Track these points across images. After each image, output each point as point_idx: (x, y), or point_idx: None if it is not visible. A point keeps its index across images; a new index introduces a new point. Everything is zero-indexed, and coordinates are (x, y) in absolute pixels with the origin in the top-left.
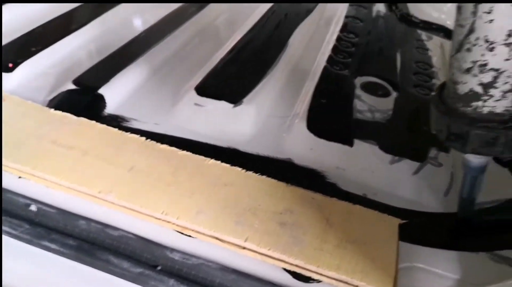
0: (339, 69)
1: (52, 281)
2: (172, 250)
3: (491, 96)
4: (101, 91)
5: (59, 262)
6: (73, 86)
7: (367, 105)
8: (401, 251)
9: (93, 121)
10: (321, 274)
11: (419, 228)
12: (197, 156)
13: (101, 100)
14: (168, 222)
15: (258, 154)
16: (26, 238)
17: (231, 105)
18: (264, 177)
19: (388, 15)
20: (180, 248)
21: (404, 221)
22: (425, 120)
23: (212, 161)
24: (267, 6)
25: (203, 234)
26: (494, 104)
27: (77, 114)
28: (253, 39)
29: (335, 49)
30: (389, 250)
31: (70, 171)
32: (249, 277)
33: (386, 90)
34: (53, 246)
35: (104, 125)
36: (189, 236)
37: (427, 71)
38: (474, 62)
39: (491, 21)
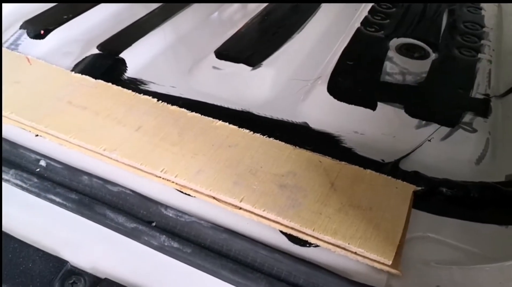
0: (374, 30)
1: (54, 232)
2: (167, 207)
3: None
4: (122, 55)
5: (62, 214)
6: (97, 51)
7: (399, 68)
8: (417, 220)
9: (109, 84)
10: (316, 238)
11: (440, 197)
12: (205, 117)
13: (122, 64)
14: (168, 180)
15: (272, 117)
16: (35, 191)
17: (250, 68)
18: (271, 139)
19: None
20: (176, 205)
21: (419, 188)
22: (463, 83)
23: (220, 122)
24: None
25: (201, 192)
26: None
27: (99, 77)
28: (282, 3)
29: (372, 10)
30: (397, 218)
31: (80, 130)
32: (240, 237)
33: (424, 52)
34: (57, 199)
35: (119, 88)
36: (188, 194)
37: (477, 31)
38: None
39: None
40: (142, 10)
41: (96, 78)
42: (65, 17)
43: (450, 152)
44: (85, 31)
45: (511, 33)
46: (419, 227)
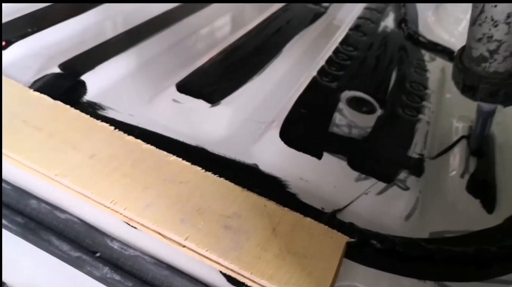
0: (328, 81)
1: None
2: (113, 239)
3: (495, 60)
4: (84, 77)
5: (5, 236)
6: (58, 70)
7: (347, 120)
8: (346, 270)
9: (67, 106)
10: (253, 281)
11: (370, 249)
12: (159, 150)
13: (82, 87)
14: (116, 211)
15: (225, 156)
16: None
17: (209, 105)
18: (221, 179)
19: (395, 32)
20: (122, 238)
21: (352, 240)
22: (402, 141)
23: (174, 157)
24: (272, 9)
25: (147, 227)
26: (497, 66)
27: (57, 98)
28: (247, 42)
29: (329, 60)
30: (328, 267)
31: (33, 151)
32: (181, 274)
33: (371, 107)
34: (3, 221)
35: (77, 111)
36: (135, 227)
37: (419, 92)
38: (484, 34)
39: (495, 6)
40: (111, 31)
41: (54, 98)
42: (30, 30)
43: (383, 207)
44: (48, 46)
45: (449, 98)
46: (348, 277)
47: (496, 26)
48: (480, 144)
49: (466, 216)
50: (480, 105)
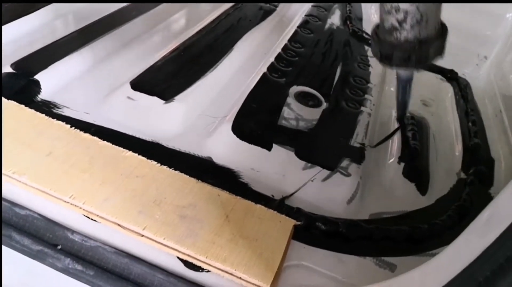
0: (277, 76)
1: None
2: (73, 232)
3: (404, 29)
4: (37, 76)
5: None
6: (10, 70)
7: (295, 114)
8: (294, 250)
9: (22, 106)
10: (208, 264)
11: (315, 231)
12: (115, 147)
13: (36, 86)
14: (75, 206)
15: (180, 150)
16: None
17: (163, 101)
18: (177, 172)
19: (340, 29)
20: (82, 231)
21: (299, 223)
22: (345, 132)
23: (130, 152)
24: (223, 8)
25: (107, 219)
26: (407, 34)
27: (11, 97)
28: (199, 40)
29: (278, 57)
30: (276, 248)
31: None
32: (140, 261)
33: (317, 101)
34: None
35: (31, 110)
36: (94, 220)
37: (362, 86)
38: (392, 6)
39: None
40: (63, 29)
41: (8, 98)
42: None
43: (328, 192)
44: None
45: (389, 91)
46: (296, 256)
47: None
48: (404, 111)
49: (403, 198)
50: (398, 73)
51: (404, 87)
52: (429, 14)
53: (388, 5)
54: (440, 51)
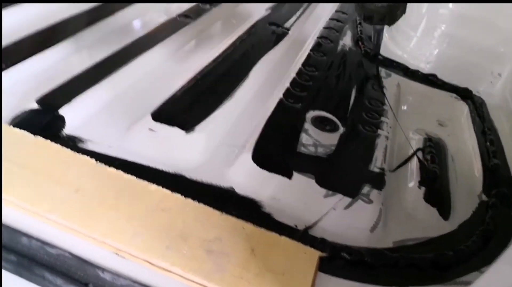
0: (293, 102)
1: None
2: (104, 270)
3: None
4: (62, 111)
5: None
6: (36, 106)
7: (313, 140)
8: (321, 282)
9: (48, 141)
10: None
11: (340, 261)
12: (140, 180)
13: (61, 121)
14: (104, 243)
15: (202, 181)
16: None
17: (183, 132)
18: (201, 204)
19: (353, 50)
20: (112, 268)
21: (324, 254)
22: (364, 156)
23: (154, 186)
24: (237, 34)
25: (135, 256)
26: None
27: (37, 133)
28: (216, 68)
29: (293, 82)
30: (304, 281)
31: (19, 189)
32: None
33: (334, 125)
34: None
35: (58, 146)
36: (123, 257)
37: (378, 108)
38: None
39: None
40: (83, 62)
41: (34, 134)
42: (4, 65)
43: (350, 220)
44: (23, 82)
45: (405, 112)
46: None
47: None
48: (378, 49)
49: (425, 224)
50: (374, 26)
51: (378, 34)
52: None
53: None
54: (403, 11)
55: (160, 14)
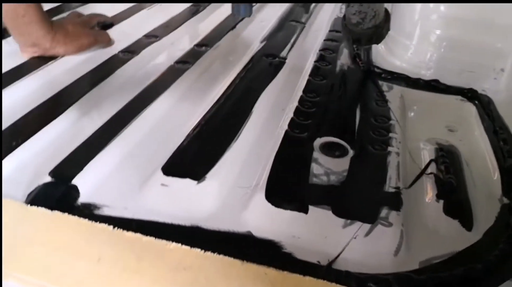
0: (299, 132)
1: None
2: None
3: (365, 22)
4: (74, 181)
5: None
6: (49, 179)
7: (323, 169)
8: None
9: (66, 214)
10: None
11: None
12: (159, 241)
13: (75, 191)
14: None
15: (219, 230)
16: None
17: (195, 182)
18: (221, 256)
19: (352, 68)
20: None
21: None
22: (377, 177)
23: (173, 244)
24: (235, 71)
25: None
26: (367, 25)
27: (53, 206)
28: (218, 110)
29: (296, 111)
30: None
31: (43, 268)
32: None
33: (343, 149)
34: None
35: (75, 218)
36: None
37: (384, 125)
38: (356, 10)
39: None
40: (90, 127)
41: (51, 208)
42: (14, 143)
43: (373, 247)
44: (34, 156)
45: (413, 122)
46: None
47: (361, 5)
48: (369, 65)
49: (449, 238)
50: (364, 47)
51: (367, 52)
52: (379, 10)
53: (353, 10)
54: (388, 29)
55: (158, 64)
